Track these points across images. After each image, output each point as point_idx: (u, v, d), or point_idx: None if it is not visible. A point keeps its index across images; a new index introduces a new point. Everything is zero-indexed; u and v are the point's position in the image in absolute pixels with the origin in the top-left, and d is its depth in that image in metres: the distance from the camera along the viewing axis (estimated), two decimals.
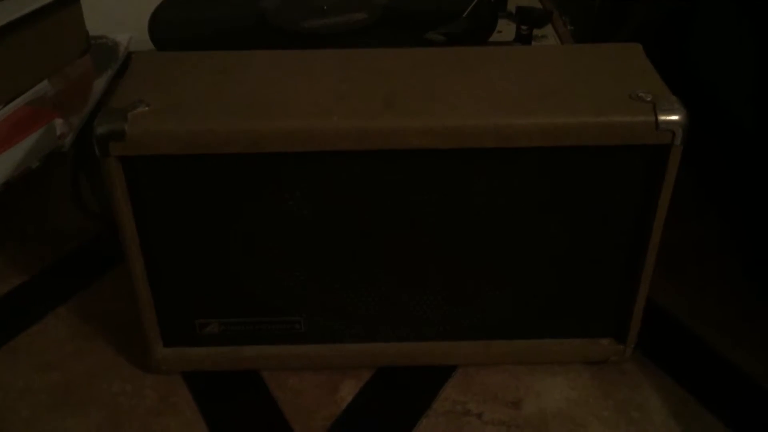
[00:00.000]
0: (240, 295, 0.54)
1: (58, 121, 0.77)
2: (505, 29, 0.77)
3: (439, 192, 0.50)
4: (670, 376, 0.58)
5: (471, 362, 0.58)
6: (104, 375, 0.58)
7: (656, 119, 0.46)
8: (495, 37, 0.71)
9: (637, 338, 0.57)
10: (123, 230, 0.50)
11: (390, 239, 0.52)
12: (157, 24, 0.71)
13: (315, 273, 0.53)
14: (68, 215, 0.74)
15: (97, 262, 0.69)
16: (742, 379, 0.58)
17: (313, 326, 0.56)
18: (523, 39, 0.70)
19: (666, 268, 0.54)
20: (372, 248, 0.52)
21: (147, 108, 0.47)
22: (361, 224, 0.51)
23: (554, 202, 0.50)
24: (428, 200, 0.50)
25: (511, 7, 0.79)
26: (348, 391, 0.57)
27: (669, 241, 0.52)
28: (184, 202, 0.50)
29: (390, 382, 0.58)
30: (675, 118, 0.46)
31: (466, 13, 0.68)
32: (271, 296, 0.54)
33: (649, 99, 0.47)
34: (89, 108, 0.84)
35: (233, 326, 0.56)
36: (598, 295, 0.55)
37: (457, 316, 0.56)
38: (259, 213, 0.50)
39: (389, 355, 0.58)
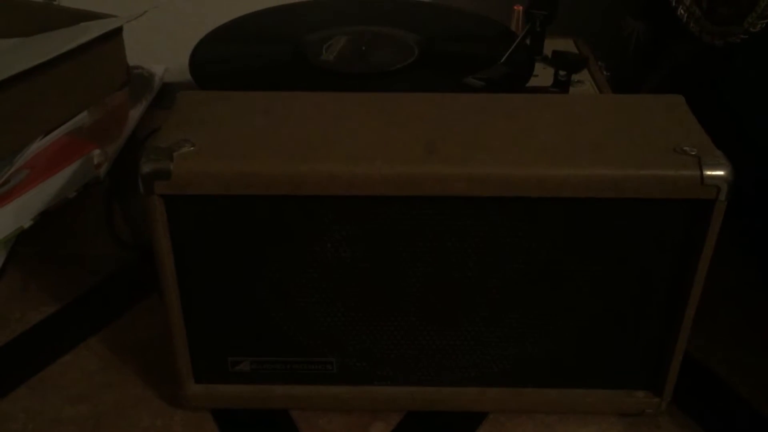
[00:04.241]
0: (274, 335, 0.54)
1: (96, 152, 0.78)
2: (541, 73, 0.77)
3: (478, 238, 0.49)
4: (705, 431, 0.57)
5: (502, 409, 0.58)
6: (133, 408, 0.58)
7: (701, 174, 0.46)
8: (531, 81, 0.71)
9: (673, 391, 0.56)
10: (162, 267, 0.50)
11: (426, 284, 0.51)
12: (197, 60, 0.72)
13: (349, 315, 0.53)
14: (101, 244, 0.75)
15: (129, 293, 0.69)
16: None
17: (344, 368, 0.56)
18: (560, 84, 0.70)
19: (702, 317, 0.53)
20: (408, 292, 0.52)
21: (192, 148, 0.47)
22: (398, 268, 0.51)
23: (593, 253, 0.50)
24: (466, 245, 0.50)
25: (547, 50, 0.80)
26: None
27: (705, 289, 0.51)
28: (223, 240, 0.50)
29: (420, 426, 0.57)
30: (720, 173, 0.46)
31: (503, 59, 0.69)
32: (304, 337, 0.54)
33: (693, 153, 0.47)
34: (124, 138, 0.85)
35: (265, 365, 0.56)
36: (634, 347, 0.54)
37: (489, 362, 0.55)
38: (297, 254, 0.50)
39: (419, 399, 0.57)
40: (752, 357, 0.63)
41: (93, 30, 0.76)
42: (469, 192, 0.47)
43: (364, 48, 0.74)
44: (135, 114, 0.89)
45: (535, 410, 0.58)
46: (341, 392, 0.57)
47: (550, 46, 0.80)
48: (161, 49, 1.03)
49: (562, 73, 0.70)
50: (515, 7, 0.81)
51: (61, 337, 0.65)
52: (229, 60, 0.73)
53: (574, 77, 0.74)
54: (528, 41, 0.76)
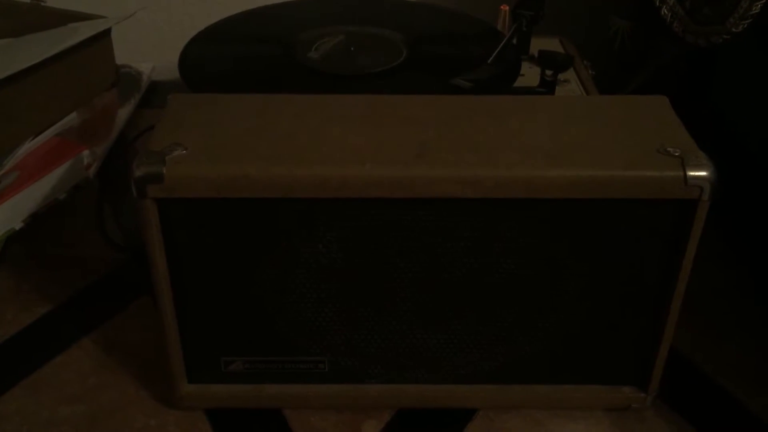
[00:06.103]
0: (266, 335, 0.55)
1: (85, 152, 0.78)
2: (528, 72, 0.78)
3: (468, 239, 0.50)
4: (691, 425, 0.58)
5: (491, 406, 0.59)
6: (128, 409, 0.59)
7: (685, 174, 0.47)
8: (518, 81, 0.72)
9: (658, 386, 0.57)
10: (155, 268, 0.51)
11: (417, 283, 0.52)
12: (187, 60, 0.72)
13: (341, 315, 0.54)
14: (93, 244, 0.75)
15: (121, 294, 0.69)
16: (763, 429, 0.58)
17: (336, 367, 0.57)
18: (547, 84, 0.71)
19: (687, 314, 0.54)
20: (399, 292, 0.53)
21: (184, 152, 0.48)
22: (390, 269, 0.52)
23: (580, 252, 0.51)
24: (456, 246, 0.51)
25: (532, 50, 0.81)
26: (369, 431, 0.57)
27: (690, 287, 0.52)
28: (216, 242, 0.50)
29: (411, 424, 0.58)
30: (703, 173, 0.47)
31: (491, 59, 0.69)
32: (296, 336, 0.55)
33: (677, 154, 0.48)
34: (113, 138, 0.85)
35: (258, 365, 0.56)
36: (620, 343, 0.55)
37: (479, 359, 0.56)
38: (289, 255, 0.51)
39: (410, 397, 0.58)
40: (737, 352, 0.64)
41: (82, 31, 0.76)
42: (459, 194, 0.48)
43: (353, 49, 0.75)
44: (123, 113, 0.89)
45: (524, 406, 0.59)
46: (333, 391, 0.57)
47: (536, 45, 0.81)
48: (148, 47, 1.03)
49: (548, 72, 0.70)
50: (502, 7, 0.82)
51: (54, 338, 0.65)
52: (219, 60, 0.73)
53: (561, 76, 0.74)
54: (515, 41, 0.77)
